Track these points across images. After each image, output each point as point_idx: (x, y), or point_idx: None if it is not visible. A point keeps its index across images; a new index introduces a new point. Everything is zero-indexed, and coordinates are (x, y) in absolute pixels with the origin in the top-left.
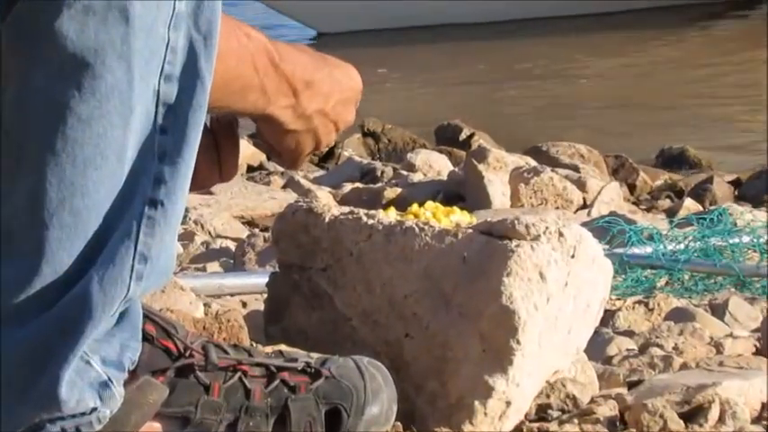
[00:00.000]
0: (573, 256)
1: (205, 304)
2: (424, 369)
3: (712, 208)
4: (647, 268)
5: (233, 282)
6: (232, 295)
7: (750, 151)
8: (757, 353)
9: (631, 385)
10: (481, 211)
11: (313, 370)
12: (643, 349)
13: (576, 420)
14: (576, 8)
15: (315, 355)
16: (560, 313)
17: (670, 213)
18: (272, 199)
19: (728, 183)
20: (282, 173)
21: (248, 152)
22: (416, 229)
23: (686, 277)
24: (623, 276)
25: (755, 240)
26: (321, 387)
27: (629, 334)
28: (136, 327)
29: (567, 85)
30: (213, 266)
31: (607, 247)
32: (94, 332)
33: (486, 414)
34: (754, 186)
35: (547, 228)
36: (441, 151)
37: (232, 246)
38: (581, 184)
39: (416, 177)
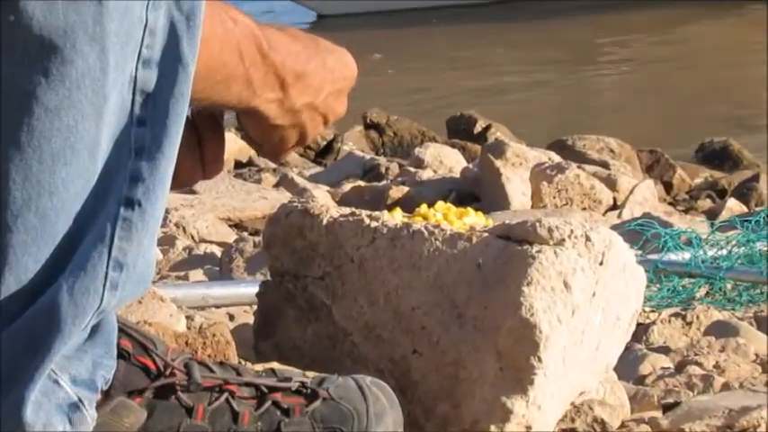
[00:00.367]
0: (601, 263)
1: (187, 317)
2: (434, 390)
3: (758, 209)
4: (684, 277)
5: (219, 292)
6: (218, 307)
7: None
8: None
9: (667, 408)
10: (498, 213)
11: (309, 391)
12: (680, 367)
13: None
14: None
15: (311, 374)
16: (587, 327)
17: (711, 215)
18: (263, 199)
19: None
20: (274, 169)
21: (235, 147)
22: (425, 233)
23: (729, 287)
24: (658, 286)
25: None
26: (318, 410)
27: (665, 350)
28: (110, 342)
29: (595, 70)
30: (197, 275)
31: (640, 252)
32: (63, 348)
33: None
34: None
35: (572, 231)
36: (453, 145)
37: (218, 251)
38: (611, 183)
39: (425, 174)
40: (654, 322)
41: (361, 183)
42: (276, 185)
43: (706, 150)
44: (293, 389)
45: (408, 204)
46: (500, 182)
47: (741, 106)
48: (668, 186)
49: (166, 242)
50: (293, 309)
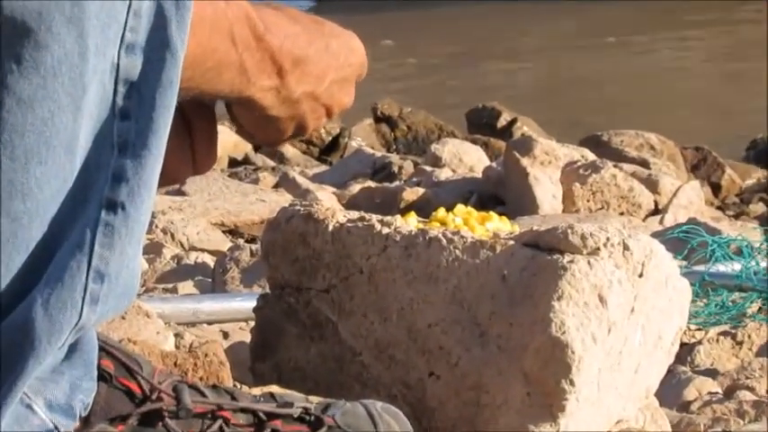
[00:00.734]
0: (641, 275)
1: (176, 334)
2: (453, 417)
3: None
4: (734, 290)
5: (211, 306)
6: (210, 323)
7: None
8: None
9: None
10: (525, 218)
11: (313, 418)
12: (729, 393)
13: None
14: None
15: (315, 399)
16: (625, 347)
17: (764, 221)
18: (261, 201)
19: None
20: (274, 168)
21: (230, 142)
22: (443, 241)
23: None
24: (705, 300)
25: None
26: None
27: (713, 373)
28: (89, 362)
29: (634, 58)
30: (186, 287)
31: (685, 263)
32: (38, 369)
33: None
34: None
35: (608, 239)
36: (474, 141)
37: (210, 261)
38: (652, 184)
39: (443, 174)
40: (700, 342)
41: (371, 183)
42: (275, 186)
43: (758, 148)
44: (295, 416)
45: (424, 208)
46: (527, 183)
47: None
48: (716, 188)
49: (153, 250)
50: (295, 325)
